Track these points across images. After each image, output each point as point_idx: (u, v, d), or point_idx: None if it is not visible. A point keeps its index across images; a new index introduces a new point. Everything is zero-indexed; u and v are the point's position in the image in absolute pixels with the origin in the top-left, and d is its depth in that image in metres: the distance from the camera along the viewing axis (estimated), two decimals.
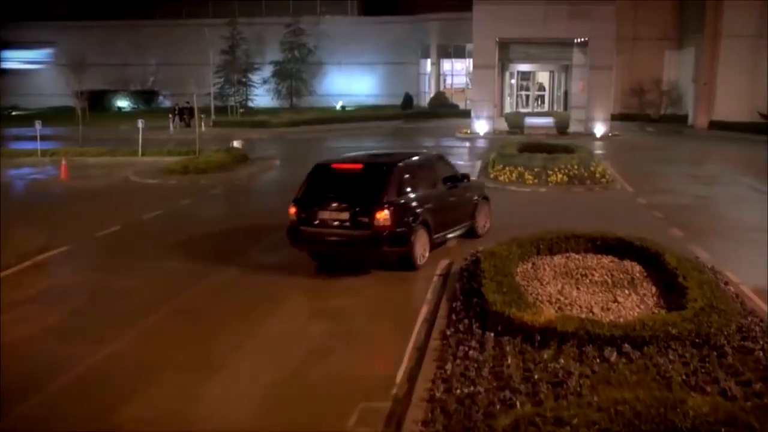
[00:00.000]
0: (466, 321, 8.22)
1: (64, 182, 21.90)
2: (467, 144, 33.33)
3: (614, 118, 40.83)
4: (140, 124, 26.95)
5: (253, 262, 12.23)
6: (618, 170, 23.35)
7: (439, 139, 34.76)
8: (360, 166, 11.91)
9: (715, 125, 37.72)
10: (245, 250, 12.96)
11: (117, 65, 55.73)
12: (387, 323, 9.35)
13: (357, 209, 10.86)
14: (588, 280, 9.76)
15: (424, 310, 9.54)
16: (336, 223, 11.04)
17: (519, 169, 20.54)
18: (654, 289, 9.41)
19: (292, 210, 11.36)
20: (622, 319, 8.18)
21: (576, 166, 20.45)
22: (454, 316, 8.56)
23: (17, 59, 57.32)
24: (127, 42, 56.33)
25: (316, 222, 11.14)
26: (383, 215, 10.74)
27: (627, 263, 10.52)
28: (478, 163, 24.45)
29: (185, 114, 40.14)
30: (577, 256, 10.89)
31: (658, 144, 32.91)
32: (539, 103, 49.50)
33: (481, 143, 33.06)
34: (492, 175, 20.79)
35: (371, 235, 10.76)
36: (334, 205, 11.09)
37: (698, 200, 18.39)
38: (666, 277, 9.62)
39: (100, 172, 23.91)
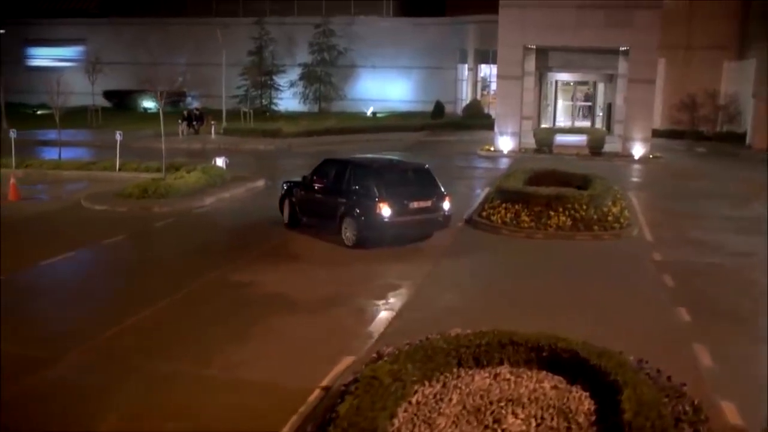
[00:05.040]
0: None
1: (8, 204, 19.61)
2: (486, 165, 29.72)
3: (662, 134, 36.90)
4: (118, 136, 24.67)
5: (117, 344, 9.54)
6: (644, 207, 20.00)
7: (456, 158, 30.70)
8: (413, 167, 16.43)
9: None
10: (124, 318, 10.24)
11: (145, 64, 54.19)
12: None
13: (433, 199, 15.13)
14: (501, 431, 6.69)
15: None
16: (419, 210, 15.03)
17: (517, 207, 17.27)
18: None
19: (385, 206, 14.28)
20: None
21: (585, 207, 17.05)
22: None
23: (47, 56, 56.46)
24: (156, 41, 54.80)
25: (405, 211, 14.67)
26: (449, 201, 15.42)
27: (575, 393, 7.41)
28: (485, 193, 21.13)
29: (193, 120, 38.06)
30: (509, 376, 7.81)
31: (704, 170, 28.76)
32: (585, 114, 45.60)
33: (502, 163, 29.55)
34: (485, 213, 17.59)
35: (444, 216, 15.33)
36: (419, 197, 15.01)
37: (729, 259, 14.63)
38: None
39: (59, 192, 21.67)
